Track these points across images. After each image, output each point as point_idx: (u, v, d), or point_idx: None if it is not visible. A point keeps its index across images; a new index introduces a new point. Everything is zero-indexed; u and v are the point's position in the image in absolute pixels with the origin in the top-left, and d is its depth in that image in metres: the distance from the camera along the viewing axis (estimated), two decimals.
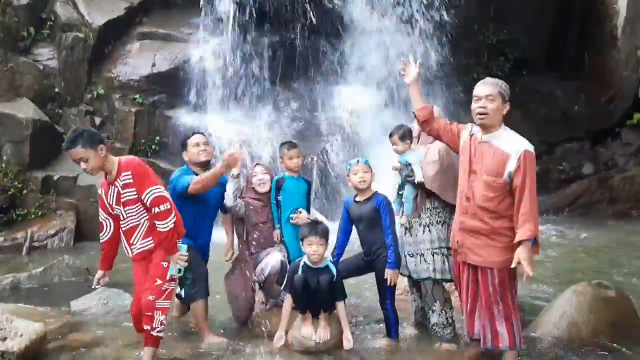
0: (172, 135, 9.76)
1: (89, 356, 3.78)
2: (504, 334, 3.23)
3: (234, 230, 4.45)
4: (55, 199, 8.71)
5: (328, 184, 9.69)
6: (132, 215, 3.44)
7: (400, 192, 3.88)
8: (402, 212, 3.86)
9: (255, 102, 10.34)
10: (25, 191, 8.54)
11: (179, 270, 3.55)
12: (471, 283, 3.34)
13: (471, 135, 3.35)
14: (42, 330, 3.80)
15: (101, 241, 3.68)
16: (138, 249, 3.49)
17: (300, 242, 3.84)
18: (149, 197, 3.35)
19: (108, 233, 3.61)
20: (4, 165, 8.61)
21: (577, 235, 8.31)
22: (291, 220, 4.25)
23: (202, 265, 4.14)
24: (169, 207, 3.38)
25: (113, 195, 3.44)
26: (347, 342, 3.74)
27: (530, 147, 3.23)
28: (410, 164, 3.78)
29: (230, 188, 4.18)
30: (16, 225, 8.19)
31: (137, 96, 10.16)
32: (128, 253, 3.58)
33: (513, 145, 3.21)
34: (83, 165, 3.33)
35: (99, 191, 3.56)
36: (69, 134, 3.46)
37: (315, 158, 9.74)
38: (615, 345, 3.72)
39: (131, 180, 3.36)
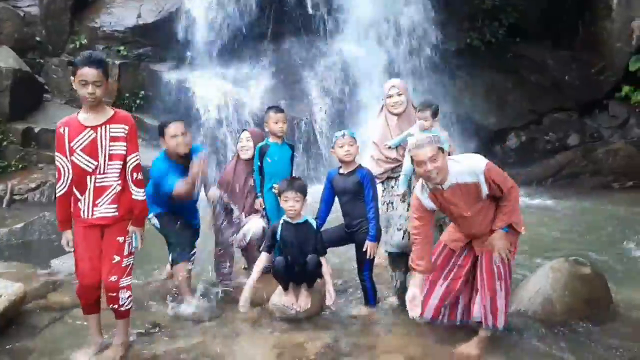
0: (158, 90, 9.60)
1: (69, 318, 3.80)
2: (502, 314, 3.31)
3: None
4: (37, 151, 8.57)
5: (313, 149, 9.65)
6: (111, 173, 3.17)
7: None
8: (404, 188, 3.82)
9: (244, 60, 10.13)
10: (5, 143, 8.37)
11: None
12: (471, 271, 3.41)
13: (432, 194, 3.24)
14: (22, 291, 3.80)
15: (59, 194, 3.20)
16: (101, 213, 3.17)
17: (279, 198, 3.84)
18: (134, 161, 3.22)
19: (66, 183, 3.17)
20: None
21: (557, 206, 8.41)
22: (273, 190, 4.24)
23: (181, 230, 4.09)
24: (142, 178, 3.29)
25: (86, 141, 3.09)
26: (329, 297, 3.77)
27: (482, 162, 3.17)
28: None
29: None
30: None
31: (121, 48, 9.90)
32: (86, 213, 3.17)
33: (472, 174, 3.15)
34: (91, 89, 3.00)
35: (61, 130, 3.11)
36: (91, 53, 3.17)
37: (303, 120, 9.66)
38: (588, 322, 3.81)
39: (125, 135, 3.17)
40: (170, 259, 4.17)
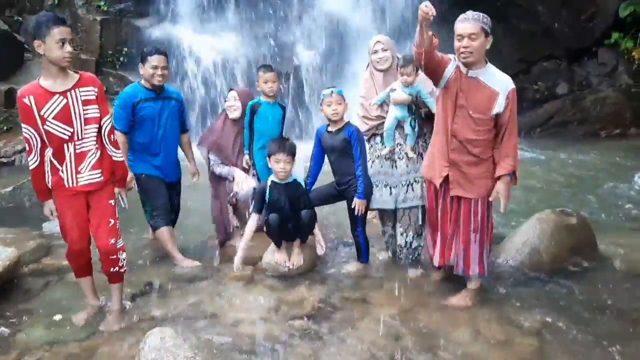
0: (141, 47, 9.36)
1: (63, 282, 3.83)
2: (475, 261, 3.37)
3: (205, 154, 4.43)
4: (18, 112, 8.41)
5: (303, 104, 9.56)
6: (89, 137, 3.08)
7: (407, 124, 3.76)
8: (391, 144, 3.82)
9: (227, 13, 9.87)
10: None
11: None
12: (453, 215, 3.42)
13: (458, 69, 3.26)
14: (16, 255, 3.81)
15: (32, 166, 3.08)
16: (86, 180, 3.12)
17: (268, 159, 3.85)
18: (108, 123, 3.18)
19: (37, 155, 3.05)
20: None
21: (545, 156, 8.49)
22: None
23: (160, 193, 4.14)
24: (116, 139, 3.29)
25: (58, 107, 2.97)
26: (320, 248, 3.89)
27: (513, 85, 3.25)
28: (420, 95, 3.71)
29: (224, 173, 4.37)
30: None
31: (101, 3, 9.62)
32: (69, 182, 3.10)
33: (501, 84, 3.21)
34: (68, 48, 2.91)
35: (26, 100, 2.94)
36: (53, 14, 3.06)
37: (290, 75, 9.52)
38: (574, 271, 3.92)
39: (95, 98, 3.09)
40: (150, 224, 4.23)
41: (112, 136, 3.21)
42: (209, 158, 4.39)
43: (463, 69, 3.24)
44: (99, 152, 3.16)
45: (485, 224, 3.37)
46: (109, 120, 3.18)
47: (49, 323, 3.30)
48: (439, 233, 3.51)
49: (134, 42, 9.56)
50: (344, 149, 3.80)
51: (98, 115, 3.11)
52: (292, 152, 3.77)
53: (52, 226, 4.81)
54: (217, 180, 4.37)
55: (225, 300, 3.50)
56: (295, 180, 3.85)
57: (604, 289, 3.68)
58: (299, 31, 9.87)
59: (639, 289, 3.68)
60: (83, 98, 3.05)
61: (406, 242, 3.93)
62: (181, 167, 4.44)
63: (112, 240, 3.19)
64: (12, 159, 7.70)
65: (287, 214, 3.79)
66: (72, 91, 3.02)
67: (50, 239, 4.57)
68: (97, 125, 3.12)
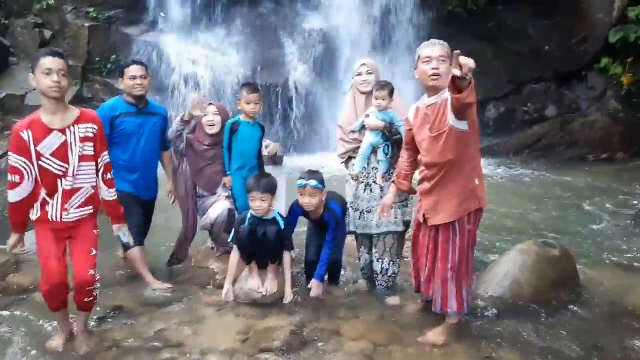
0: (129, 55, 9.27)
1: (30, 301, 3.69)
2: (453, 299, 3.27)
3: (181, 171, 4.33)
4: (2, 117, 8.27)
5: (293, 116, 9.50)
6: (83, 175, 3.02)
7: (380, 151, 3.72)
8: (363, 167, 3.75)
9: (218, 23, 9.82)
10: None
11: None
12: (431, 249, 3.34)
13: (417, 107, 3.26)
14: None
15: (18, 199, 2.94)
16: (75, 215, 3.04)
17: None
18: (104, 161, 3.11)
19: (29, 188, 2.94)
20: None
21: (532, 178, 8.46)
22: (264, 151, 4.27)
23: (135, 212, 4.02)
24: (113, 177, 3.18)
25: (56, 145, 2.91)
26: (288, 297, 3.75)
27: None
28: (393, 122, 3.65)
29: (175, 124, 4.16)
30: None
31: (91, 10, 9.52)
32: (53, 217, 2.99)
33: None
34: (56, 78, 2.83)
35: (24, 135, 2.87)
36: (51, 48, 3.00)
37: (279, 89, 9.45)
38: (555, 304, 3.84)
39: (93, 136, 3.01)
40: (122, 243, 4.09)
41: (107, 175, 3.13)
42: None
43: (422, 104, 3.22)
44: (91, 190, 3.08)
45: (464, 261, 3.26)
46: (105, 158, 3.10)
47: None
48: (424, 265, 3.43)
49: (122, 50, 9.47)
50: (321, 230, 3.79)
51: (92, 154, 3.04)
52: (269, 190, 3.66)
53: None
54: (190, 199, 4.27)
55: (194, 329, 3.37)
56: (275, 218, 3.74)
57: (586, 327, 3.59)
58: (289, 43, 9.82)
59: (622, 328, 3.60)
60: (81, 135, 2.98)
61: (382, 269, 3.85)
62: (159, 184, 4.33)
63: (92, 272, 3.05)
64: None
65: (261, 249, 3.69)
66: (71, 127, 2.96)
67: (17, 256, 4.40)
68: (94, 163, 3.06)
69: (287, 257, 3.79)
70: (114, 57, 9.47)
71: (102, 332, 3.33)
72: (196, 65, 9.33)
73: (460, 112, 2.90)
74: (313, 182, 3.65)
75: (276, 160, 4.54)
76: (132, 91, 4.01)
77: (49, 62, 2.85)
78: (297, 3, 10.12)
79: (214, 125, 4.22)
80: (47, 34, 9.40)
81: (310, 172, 3.76)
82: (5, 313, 3.57)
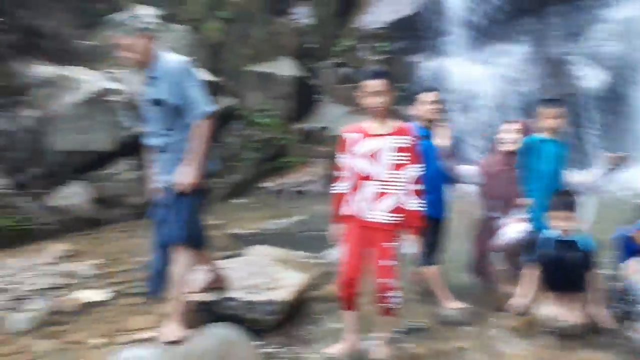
0: (415, 82, 9.73)
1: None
2: None
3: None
4: (310, 148, 9.58)
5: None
6: (393, 182, 3.32)
7: None
8: None
9: (502, 41, 9.59)
10: (286, 141, 9.55)
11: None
12: None
13: None
14: (305, 283, 4.26)
15: (338, 191, 3.43)
16: (377, 217, 3.34)
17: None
18: (412, 173, 3.34)
19: (349, 183, 3.39)
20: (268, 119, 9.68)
21: None
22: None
23: (433, 233, 4.10)
24: (421, 190, 3.38)
25: (369, 147, 3.30)
26: (605, 321, 3.42)
27: None
28: None
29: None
30: (279, 172, 9.20)
31: (377, 45, 10.36)
32: (362, 214, 3.35)
33: None
34: (376, 99, 3.25)
35: (346, 135, 3.40)
36: (371, 68, 3.50)
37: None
38: None
39: (407, 146, 3.32)
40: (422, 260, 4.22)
41: (413, 185, 3.35)
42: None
43: None
44: (400, 197, 3.35)
45: None
46: (414, 170, 3.36)
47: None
48: None
49: (408, 77, 10.01)
50: None
51: (405, 162, 3.33)
52: (569, 208, 3.45)
53: (332, 254, 5.28)
54: (483, 222, 4.25)
55: (491, 350, 3.33)
56: (575, 240, 3.48)
57: None
58: (579, 52, 8.97)
59: None
60: (395, 145, 3.32)
61: None
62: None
63: (387, 280, 3.33)
64: (301, 188, 8.76)
65: (563, 274, 3.47)
66: (386, 137, 3.33)
67: (332, 267, 4.98)
68: (404, 172, 3.34)
69: (594, 276, 3.46)
70: (404, 85, 10.05)
71: (401, 344, 3.53)
72: (480, 84, 9.26)
73: None
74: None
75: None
76: (427, 115, 4.17)
77: (370, 85, 3.28)
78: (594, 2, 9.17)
79: (511, 143, 4.16)
80: (343, 71, 10.60)
81: None
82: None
